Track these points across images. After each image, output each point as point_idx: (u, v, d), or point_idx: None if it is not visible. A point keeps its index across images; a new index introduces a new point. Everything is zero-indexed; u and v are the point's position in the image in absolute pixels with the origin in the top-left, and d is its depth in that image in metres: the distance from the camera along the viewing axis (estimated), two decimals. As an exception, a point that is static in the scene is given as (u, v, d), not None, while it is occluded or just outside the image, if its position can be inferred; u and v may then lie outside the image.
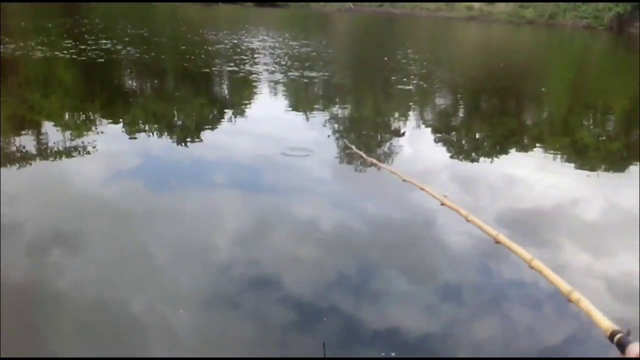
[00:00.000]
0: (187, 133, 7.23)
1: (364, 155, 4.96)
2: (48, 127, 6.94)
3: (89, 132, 6.75)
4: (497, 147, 7.80)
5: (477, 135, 8.67)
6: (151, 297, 3.17)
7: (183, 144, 6.65)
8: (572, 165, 7.02)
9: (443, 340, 3.03)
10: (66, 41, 14.08)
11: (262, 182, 5.51)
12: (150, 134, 7.08)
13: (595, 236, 4.71)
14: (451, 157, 7.14)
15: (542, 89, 13.28)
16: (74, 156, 5.77)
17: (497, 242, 1.58)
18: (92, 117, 7.74)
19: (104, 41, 14.78)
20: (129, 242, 3.90)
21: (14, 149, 5.93)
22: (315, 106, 9.61)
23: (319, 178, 5.71)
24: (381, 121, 9.05)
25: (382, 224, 4.53)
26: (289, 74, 12.05)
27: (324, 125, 8.03)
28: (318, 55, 16.11)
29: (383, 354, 2.76)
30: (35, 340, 2.75)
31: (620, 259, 4.29)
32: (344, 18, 42.62)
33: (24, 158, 5.57)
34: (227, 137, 7.16)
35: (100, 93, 9.43)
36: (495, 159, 7.20)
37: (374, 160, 4.75)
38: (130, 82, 10.86)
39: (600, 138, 8.83)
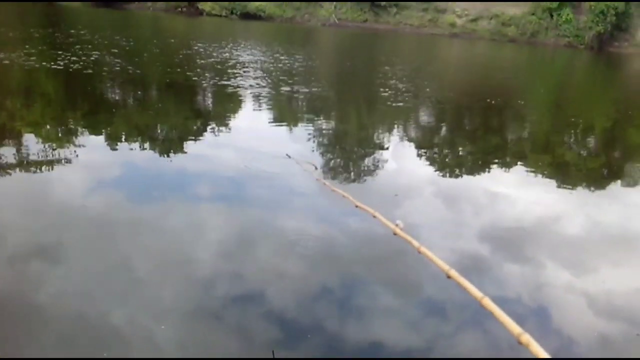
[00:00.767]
0: (171, 145, 7.20)
1: (314, 175, 4.92)
2: (29, 137, 6.86)
3: (71, 143, 6.68)
4: (480, 163, 7.86)
5: (461, 151, 8.74)
6: (133, 311, 3.14)
7: (166, 155, 6.61)
8: (554, 182, 7.10)
9: (426, 354, 3.03)
10: (52, 51, 13.97)
11: (246, 195, 5.49)
12: (134, 145, 7.02)
13: (576, 253, 4.75)
14: (434, 172, 7.19)
15: (521, 102, 13.44)
16: (55, 167, 5.70)
17: (449, 277, 1.54)
18: (74, 128, 7.67)
19: (92, 52, 14.68)
20: (110, 254, 3.85)
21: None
22: (300, 119, 9.63)
23: (302, 192, 5.70)
24: (365, 135, 9.08)
25: (366, 238, 4.53)
26: (282, 88, 12.07)
27: (308, 140, 8.03)
28: (309, 70, 16.16)
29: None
30: (14, 353, 2.71)
31: (602, 276, 4.33)
32: (328, 33, 42.86)
33: (4, 168, 5.50)
34: (213, 150, 7.13)
35: (84, 103, 9.36)
36: (478, 175, 7.26)
37: (327, 183, 4.61)
38: (116, 93, 10.79)
39: (581, 155, 8.95)
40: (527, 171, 7.56)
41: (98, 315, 3.05)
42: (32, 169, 5.61)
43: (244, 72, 13.84)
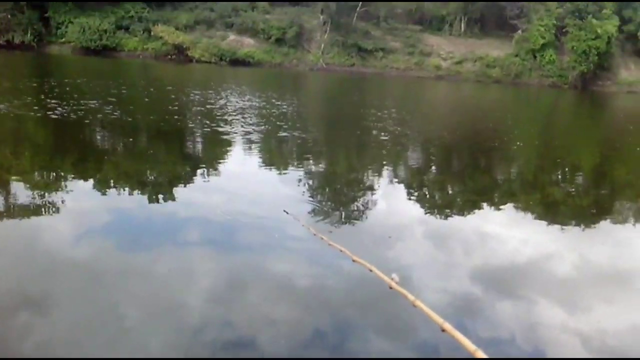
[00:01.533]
0: (160, 190, 7.18)
1: (312, 229, 4.90)
2: (17, 184, 6.82)
3: (60, 190, 6.65)
4: (470, 203, 7.88)
5: (450, 191, 8.77)
6: (121, 361, 3.08)
7: (156, 201, 6.59)
8: (544, 220, 7.12)
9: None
10: (47, 100, 13.98)
11: (236, 240, 5.46)
12: (123, 191, 7.00)
13: (568, 291, 4.73)
14: (425, 212, 7.19)
15: (509, 142, 13.59)
16: (43, 214, 5.67)
17: (443, 330, 1.55)
18: (62, 175, 7.65)
19: (89, 101, 14.69)
20: (98, 302, 3.79)
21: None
22: (291, 163, 9.66)
23: (293, 236, 5.67)
24: (355, 177, 9.10)
25: (359, 282, 4.49)
26: (272, 132, 12.15)
27: (298, 184, 8.03)
28: (299, 114, 16.30)
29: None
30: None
31: (595, 315, 4.31)
32: (317, 77, 43.45)
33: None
34: (203, 195, 7.11)
35: (78, 151, 9.36)
36: (468, 214, 7.27)
37: (324, 237, 4.57)
38: (112, 141, 10.81)
39: (570, 194, 9.00)
40: (517, 210, 7.59)
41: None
42: (20, 216, 5.57)
43: (237, 117, 13.92)
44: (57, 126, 11.03)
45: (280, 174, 8.71)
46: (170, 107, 15.17)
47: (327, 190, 8.07)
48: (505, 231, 6.40)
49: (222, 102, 17.44)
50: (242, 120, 13.50)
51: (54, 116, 11.74)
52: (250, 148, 10.48)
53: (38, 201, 6.09)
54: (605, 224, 7.24)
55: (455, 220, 6.90)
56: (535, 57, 54.81)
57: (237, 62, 50.56)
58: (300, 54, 54.96)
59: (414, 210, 7.27)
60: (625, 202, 8.83)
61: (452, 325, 1.52)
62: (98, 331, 3.40)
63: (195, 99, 17.74)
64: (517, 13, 57.16)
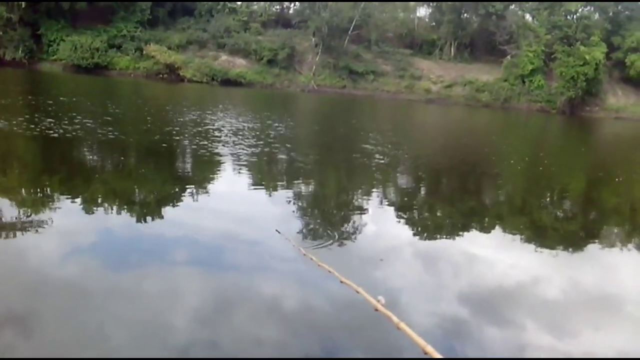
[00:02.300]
0: (148, 209, 7.14)
1: (302, 250, 4.91)
2: (3, 202, 6.75)
3: (47, 208, 6.59)
4: (459, 226, 7.89)
5: (439, 214, 8.79)
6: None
7: (144, 220, 6.55)
8: (532, 244, 7.13)
9: None
10: (44, 118, 13.89)
11: (224, 260, 5.42)
12: (112, 210, 6.95)
13: (557, 316, 4.73)
14: (414, 234, 7.19)
15: (497, 167, 13.67)
16: (29, 233, 5.60)
17: (426, 353, 1.55)
18: (50, 193, 7.59)
19: (86, 120, 14.64)
20: (84, 322, 3.75)
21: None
22: (281, 184, 9.66)
23: (282, 256, 5.64)
24: (345, 199, 9.10)
25: (347, 303, 4.46)
26: (262, 152, 12.16)
27: (288, 205, 8.01)
28: (290, 134, 16.32)
29: None
30: None
31: (583, 339, 4.31)
32: (309, 98, 43.66)
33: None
34: (191, 214, 7.08)
35: (83, 172, 9.31)
36: (456, 237, 7.28)
37: (313, 258, 4.55)
38: (120, 163, 10.77)
39: (558, 218, 9.04)
40: (506, 233, 7.61)
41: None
42: (5, 235, 5.51)
43: (232, 138, 13.91)
44: (55, 145, 10.94)
45: (270, 194, 8.70)
46: (170, 128, 15.10)
47: (317, 211, 8.06)
48: (494, 254, 6.41)
49: (220, 122, 17.40)
50: (237, 141, 13.50)
51: (54, 135, 11.68)
52: (243, 168, 10.48)
53: (24, 219, 6.03)
54: (593, 248, 7.26)
55: (444, 243, 6.90)
56: (524, 82, 55.54)
57: (229, 82, 50.82)
58: (291, 75, 55.35)
59: (404, 232, 7.26)
60: (613, 227, 8.88)
61: (439, 348, 1.52)
62: (83, 351, 3.35)
63: (194, 119, 17.68)
64: (506, 39, 58.04)
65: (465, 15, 62.48)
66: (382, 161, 12.66)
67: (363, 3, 55.72)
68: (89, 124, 13.94)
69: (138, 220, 6.55)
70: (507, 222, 8.37)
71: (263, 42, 55.16)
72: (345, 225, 7.30)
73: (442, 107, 47.82)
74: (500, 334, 4.20)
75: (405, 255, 6.16)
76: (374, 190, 10.06)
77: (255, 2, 61.14)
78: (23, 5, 45.82)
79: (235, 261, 5.38)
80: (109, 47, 50.42)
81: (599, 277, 6.07)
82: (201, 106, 24.39)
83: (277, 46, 54.56)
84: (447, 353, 3.77)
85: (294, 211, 7.60)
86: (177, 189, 8.53)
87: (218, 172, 10.11)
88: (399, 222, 7.85)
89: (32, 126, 12.44)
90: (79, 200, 7.26)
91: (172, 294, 4.38)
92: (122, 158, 10.85)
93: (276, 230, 5.92)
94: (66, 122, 13.71)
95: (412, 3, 66.23)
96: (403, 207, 8.76)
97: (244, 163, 10.90)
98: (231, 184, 9.19)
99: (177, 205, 7.56)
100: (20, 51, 46.67)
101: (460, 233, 7.49)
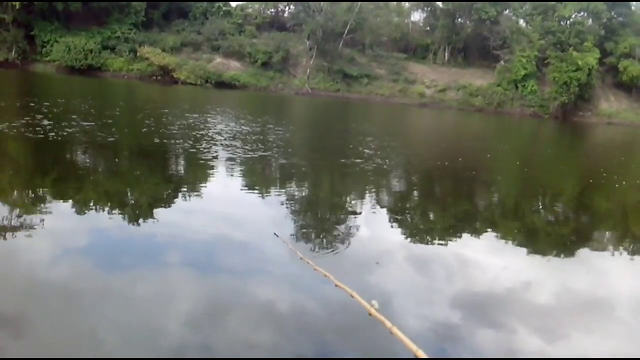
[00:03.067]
0: (141, 211, 7.12)
1: (299, 253, 4.91)
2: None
3: (40, 210, 6.57)
4: (452, 230, 7.92)
5: (432, 217, 8.81)
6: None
7: (136, 223, 6.53)
8: (524, 248, 7.16)
9: None
10: (45, 121, 13.81)
11: (218, 263, 5.42)
12: (105, 211, 6.94)
13: (548, 320, 4.75)
14: (406, 238, 7.21)
15: (498, 174, 13.72)
16: (21, 234, 5.58)
17: (416, 357, 1.59)
18: (42, 195, 7.57)
19: (86, 123, 14.57)
20: (76, 325, 3.74)
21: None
22: (274, 186, 9.66)
23: (276, 259, 5.65)
24: (338, 202, 9.11)
25: (339, 307, 4.47)
26: (256, 156, 12.16)
27: (282, 208, 8.02)
28: (284, 138, 16.31)
29: None
30: None
31: (574, 343, 4.33)
32: (302, 102, 43.66)
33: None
34: (184, 216, 7.07)
35: (76, 173, 9.28)
36: (449, 241, 7.30)
37: (310, 262, 4.58)
38: (123, 167, 10.74)
39: (550, 222, 9.08)
40: (498, 237, 7.64)
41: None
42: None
43: (233, 142, 13.88)
44: (56, 148, 10.88)
45: (264, 197, 8.71)
46: (168, 131, 15.02)
47: (311, 214, 8.06)
48: (486, 258, 6.43)
49: (221, 126, 17.31)
50: (237, 144, 13.47)
51: (58, 138, 11.63)
52: (240, 171, 10.48)
53: (16, 221, 6.01)
54: (584, 252, 7.30)
55: (437, 247, 6.92)
56: (517, 87, 55.77)
57: (223, 84, 50.77)
58: (285, 78, 55.38)
59: (397, 235, 7.28)
60: (605, 231, 8.93)
61: (431, 351, 1.53)
62: (74, 354, 3.35)
63: (190, 123, 17.53)
64: (499, 44, 58.28)
65: (459, 20, 62.73)
66: (377, 165, 12.66)
67: (357, 7, 55.82)
68: (96, 128, 13.84)
69: (131, 222, 6.53)
70: (499, 225, 8.40)
71: (257, 44, 55.19)
72: (341, 229, 7.30)
73: (435, 111, 47.94)
74: (491, 338, 4.21)
75: (398, 258, 6.18)
76: (366, 193, 10.08)
77: (249, 5, 61.22)
78: (17, 6, 45.61)
79: (229, 264, 5.38)
80: (103, 48, 50.27)
81: (590, 280, 6.10)
82: (197, 109, 24.32)
83: (271, 49, 54.59)
84: (439, 356, 3.78)
85: (288, 215, 7.61)
86: (171, 192, 8.52)
87: (218, 175, 10.01)
88: (392, 225, 7.86)
89: (32, 128, 12.38)
90: (83, 201, 7.24)
91: (165, 296, 4.37)
92: (117, 160, 10.81)
93: (274, 234, 5.93)
94: (65, 124, 13.63)
95: (406, 7, 66.54)
96: (397, 211, 8.78)
97: (245, 166, 10.90)
98: (229, 186, 9.17)
99: (170, 207, 7.54)
100: (13, 52, 46.50)
101: (453, 237, 7.51)
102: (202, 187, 9.10)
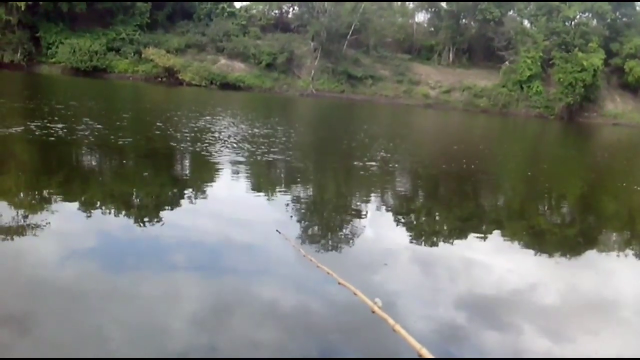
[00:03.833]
0: (147, 212, 7.13)
1: (302, 251, 4.91)
2: (1, 204, 6.73)
3: (46, 210, 6.58)
4: (457, 231, 7.90)
5: (437, 218, 8.79)
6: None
7: (142, 224, 6.54)
8: (530, 249, 7.14)
9: None
10: (54, 124, 13.82)
11: (223, 264, 5.42)
12: (111, 213, 6.95)
13: (554, 321, 4.73)
14: (412, 239, 7.19)
15: (504, 175, 13.68)
16: (28, 235, 5.59)
17: (420, 356, 1.58)
18: (48, 196, 7.58)
19: (96, 124, 14.58)
20: (82, 324, 3.74)
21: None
22: (280, 188, 9.66)
23: (280, 258, 5.64)
24: (344, 203, 9.09)
25: (343, 305, 4.46)
26: (261, 157, 12.15)
27: (287, 209, 8.00)
28: (289, 139, 16.30)
29: None
30: None
31: (580, 344, 4.31)
32: (307, 103, 43.67)
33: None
34: (190, 217, 7.07)
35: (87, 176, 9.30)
36: (454, 242, 7.28)
37: (313, 259, 4.57)
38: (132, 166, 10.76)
39: (556, 223, 9.05)
40: (503, 238, 7.61)
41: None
42: (4, 237, 5.49)
43: (245, 144, 13.82)
44: (69, 150, 10.89)
45: (270, 199, 8.70)
46: (179, 134, 15.00)
47: (316, 214, 8.06)
48: (492, 259, 6.41)
49: (233, 129, 17.28)
50: (248, 146, 13.47)
51: (69, 138, 11.63)
52: (239, 172, 10.46)
53: (22, 222, 6.02)
54: (590, 254, 7.28)
55: (442, 247, 6.90)
56: (522, 88, 55.67)
57: (228, 86, 50.84)
58: (290, 79, 55.44)
59: (401, 236, 7.26)
60: (611, 232, 8.90)
61: (435, 351, 1.53)
62: (80, 353, 3.35)
63: (202, 125, 17.50)
64: (504, 44, 58.17)
65: (463, 20, 62.69)
66: (382, 166, 12.64)
67: (362, 8, 55.83)
68: (109, 131, 13.84)
69: (136, 223, 6.54)
70: (505, 226, 8.37)
71: (262, 46, 55.27)
72: (344, 230, 7.30)
73: (440, 113, 47.87)
74: (496, 339, 4.20)
75: (403, 259, 6.17)
76: (372, 194, 10.06)
77: (254, 6, 61.33)
78: (22, 8, 45.80)
79: (234, 264, 5.38)
80: (108, 50, 50.44)
81: (596, 282, 6.07)
82: (206, 111, 24.29)
83: (275, 50, 54.67)
84: (443, 356, 3.77)
85: (292, 216, 7.60)
86: (180, 192, 8.52)
87: (231, 177, 9.97)
88: (397, 226, 7.85)
89: (47, 131, 12.40)
90: (96, 202, 7.25)
91: (170, 297, 4.38)
92: (124, 161, 10.83)
93: (277, 231, 5.93)
94: (77, 126, 13.64)
95: (410, 8, 66.54)
96: (402, 212, 8.76)
97: (244, 167, 10.89)
98: (237, 188, 9.15)
99: (176, 208, 7.55)
100: (19, 54, 46.71)
101: (458, 237, 7.50)
102: (209, 188, 9.07)
